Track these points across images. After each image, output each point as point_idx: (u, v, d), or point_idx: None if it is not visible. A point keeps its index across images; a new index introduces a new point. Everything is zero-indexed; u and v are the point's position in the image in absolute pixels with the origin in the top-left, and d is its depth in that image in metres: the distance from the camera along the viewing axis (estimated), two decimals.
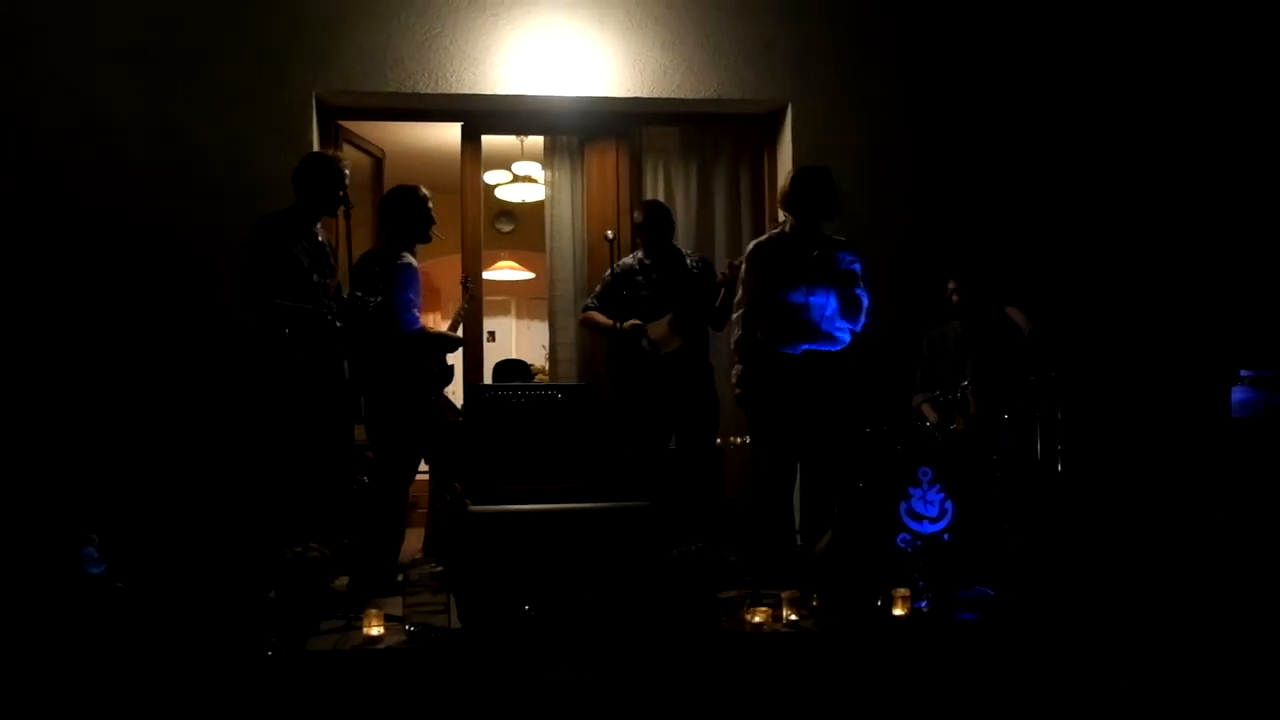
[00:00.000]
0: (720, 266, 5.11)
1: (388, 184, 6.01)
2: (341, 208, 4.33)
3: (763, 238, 4.66)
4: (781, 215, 4.67)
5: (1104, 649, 3.45)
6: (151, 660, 3.30)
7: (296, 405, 4.25)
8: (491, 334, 5.81)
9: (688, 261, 5.01)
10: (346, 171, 4.43)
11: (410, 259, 4.61)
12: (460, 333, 5.06)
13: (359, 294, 4.29)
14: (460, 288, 5.44)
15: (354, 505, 4.47)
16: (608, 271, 4.86)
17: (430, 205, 4.65)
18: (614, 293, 4.80)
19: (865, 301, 4.49)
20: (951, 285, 4.79)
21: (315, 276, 4.30)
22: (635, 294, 4.85)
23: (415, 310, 4.58)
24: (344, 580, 4.19)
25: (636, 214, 5.13)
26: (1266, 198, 5.50)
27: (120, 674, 3.21)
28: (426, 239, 4.71)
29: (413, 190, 4.65)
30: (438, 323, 5.20)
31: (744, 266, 4.57)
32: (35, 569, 3.76)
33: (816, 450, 4.49)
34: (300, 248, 4.30)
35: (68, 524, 4.04)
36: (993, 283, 4.86)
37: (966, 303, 4.75)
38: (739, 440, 5.12)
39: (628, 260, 4.99)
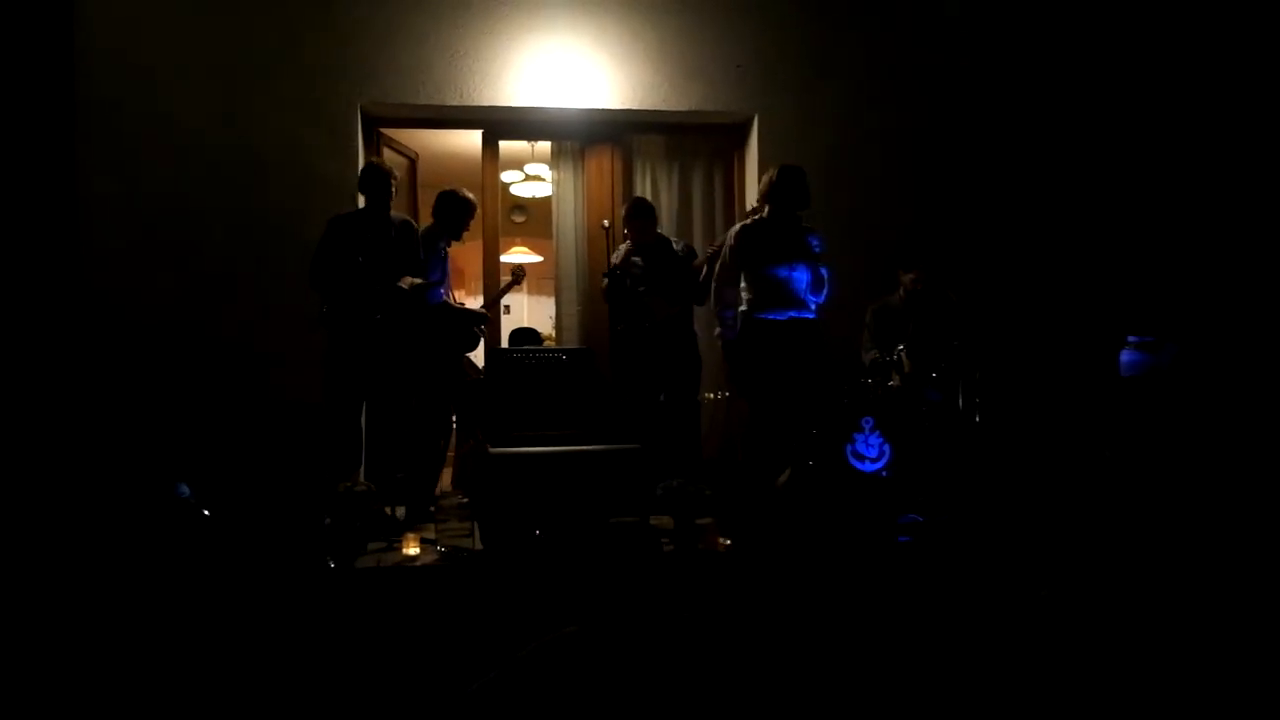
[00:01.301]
0: (699, 250, 5.12)
1: (420, 182, 6.03)
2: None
3: (747, 222, 4.62)
4: (759, 204, 4.67)
5: (1013, 561, 3.52)
6: (232, 572, 3.36)
7: (337, 365, 4.36)
8: (507, 307, 5.79)
9: (675, 246, 5.02)
10: (395, 175, 4.57)
11: (442, 246, 4.73)
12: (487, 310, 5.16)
13: (402, 283, 4.39)
14: (510, 274, 5.32)
15: (398, 448, 4.51)
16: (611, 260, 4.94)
17: (473, 213, 4.80)
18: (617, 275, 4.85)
19: (827, 276, 4.53)
20: (911, 276, 4.77)
21: (360, 259, 4.33)
22: (631, 274, 4.87)
23: (440, 289, 4.71)
24: (401, 510, 4.36)
25: (624, 209, 5.13)
26: (1150, 192, 5.53)
27: (208, 583, 3.27)
28: (459, 238, 4.85)
29: (466, 199, 4.77)
30: (464, 298, 5.23)
31: (729, 246, 4.56)
32: (138, 502, 3.78)
33: (788, 401, 4.48)
34: (356, 240, 4.35)
35: (163, 466, 4.08)
36: (940, 271, 4.87)
37: (923, 291, 4.75)
38: (714, 396, 5.16)
39: (622, 250, 4.99)
